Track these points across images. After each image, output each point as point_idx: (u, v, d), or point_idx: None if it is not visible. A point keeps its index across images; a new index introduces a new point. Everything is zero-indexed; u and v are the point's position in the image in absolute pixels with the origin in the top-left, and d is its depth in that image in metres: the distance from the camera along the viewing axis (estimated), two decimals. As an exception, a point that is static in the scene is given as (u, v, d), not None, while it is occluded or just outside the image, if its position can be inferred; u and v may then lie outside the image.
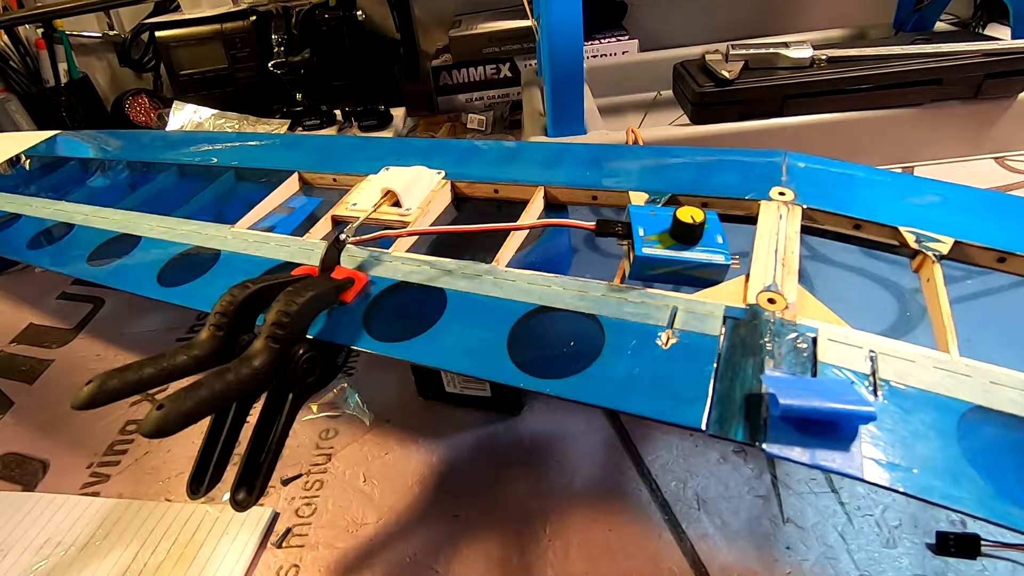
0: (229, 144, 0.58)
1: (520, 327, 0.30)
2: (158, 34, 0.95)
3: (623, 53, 0.90)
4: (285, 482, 0.43)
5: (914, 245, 0.32)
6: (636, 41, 0.89)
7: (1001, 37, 0.61)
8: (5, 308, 0.70)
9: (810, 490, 0.38)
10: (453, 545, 0.38)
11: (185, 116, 0.94)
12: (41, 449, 0.51)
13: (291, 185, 0.49)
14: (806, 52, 0.57)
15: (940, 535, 0.34)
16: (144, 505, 0.43)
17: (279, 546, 0.40)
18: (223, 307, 0.29)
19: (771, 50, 0.58)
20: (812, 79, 0.56)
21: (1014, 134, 0.57)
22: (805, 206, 0.34)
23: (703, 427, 0.24)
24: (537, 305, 0.31)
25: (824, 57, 0.57)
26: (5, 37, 0.91)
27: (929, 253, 0.31)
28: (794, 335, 0.26)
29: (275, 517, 0.41)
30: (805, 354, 0.25)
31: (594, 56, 0.89)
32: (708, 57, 0.60)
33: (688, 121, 0.62)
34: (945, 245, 0.31)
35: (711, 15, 0.98)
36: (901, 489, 0.21)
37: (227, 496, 0.28)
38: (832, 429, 0.22)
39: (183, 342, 0.60)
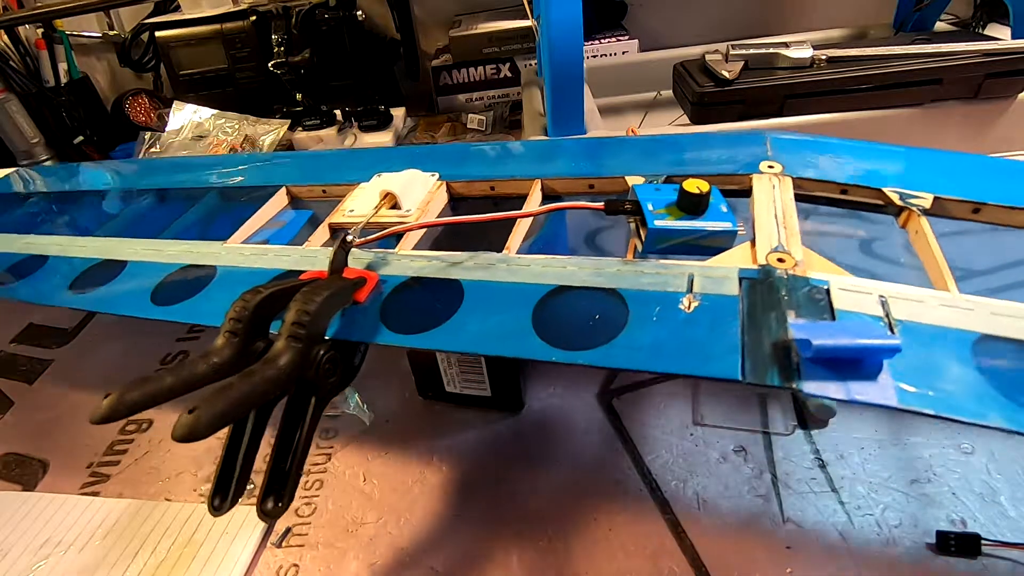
0: (206, 169, 0.56)
1: (542, 307, 0.30)
2: (158, 34, 0.95)
3: (623, 53, 0.89)
4: (285, 482, 0.43)
5: (899, 203, 0.34)
6: (636, 41, 0.89)
7: (1001, 37, 0.61)
8: (5, 308, 0.70)
9: (810, 490, 0.38)
10: (453, 545, 0.38)
11: (185, 116, 0.94)
12: (41, 449, 0.51)
13: (279, 199, 0.48)
14: (806, 52, 0.57)
15: (940, 535, 0.34)
16: (144, 505, 0.43)
17: (279, 546, 0.40)
18: (237, 313, 0.28)
19: (771, 50, 0.58)
20: (812, 79, 0.56)
21: (1014, 134, 0.57)
22: (794, 176, 0.36)
23: (740, 377, 0.24)
24: (555, 285, 0.31)
25: (824, 57, 0.57)
26: (5, 37, 0.90)
27: (914, 208, 0.33)
28: (808, 288, 0.28)
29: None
30: (822, 303, 0.27)
31: (594, 56, 0.89)
32: (708, 57, 0.60)
33: (688, 121, 0.62)
34: (927, 201, 0.34)
35: (711, 15, 0.98)
36: (933, 412, 0.22)
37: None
38: (859, 366, 0.24)
39: (183, 342, 0.60)
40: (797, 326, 0.25)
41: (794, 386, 0.23)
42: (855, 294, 0.27)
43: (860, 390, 0.23)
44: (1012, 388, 0.23)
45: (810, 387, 0.23)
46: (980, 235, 0.34)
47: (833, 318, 0.26)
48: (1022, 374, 0.24)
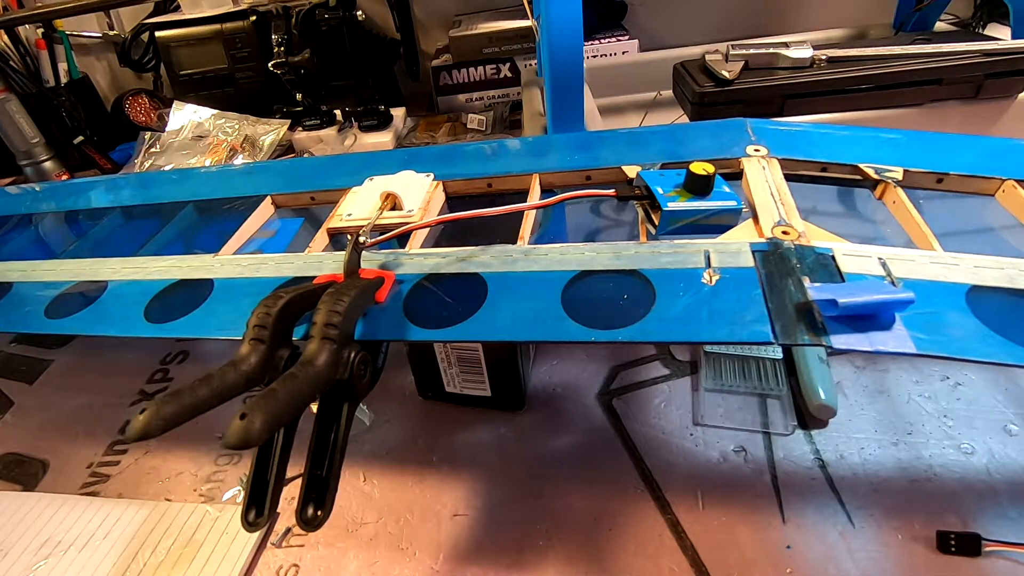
0: (174, 181, 0.55)
1: (569, 292, 0.31)
2: (158, 34, 0.95)
3: (623, 53, 0.89)
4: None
5: (875, 176, 0.37)
6: (636, 41, 0.89)
7: (1001, 37, 0.61)
8: (5, 308, 0.70)
9: (810, 490, 0.38)
10: (453, 544, 0.38)
11: (185, 116, 0.94)
12: (41, 449, 0.51)
13: (265, 209, 0.48)
14: (806, 52, 0.57)
15: (941, 534, 0.34)
16: (144, 505, 0.43)
17: (279, 546, 0.40)
18: (260, 319, 0.28)
19: (771, 50, 0.58)
20: (812, 79, 0.56)
21: (1014, 134, 0.57)
22: (779, 157, 0.39)
23: (772, 339, 0.26)
24: (579, 271, 0.32)
25: (824, 57, 0.57)
26: (5, 37, 0.90)
27: (889, 180, 0.37)
28: (815, 255, 0.30)
29: (275, 517, 0.41)
30: (830, 268, 0.29)
31: (594, 56, 0.89)
32: (708, 57, 0.60)
33: (688, 121, 0.62)
34: (898, 173, 0.37)
35: (711, 15, 0.98)
36: (945, 355, 0.25)
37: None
38: (877, 320, 0.26)
39: (184, 341, 0.60)
40: (816, 289, 0.27)
41: (823, 342, 0.25)
42: (857, 258, 0.30)
43: (881, 340, 0.25)
44: (1008, 329, 0.26)
45: (837, 342, 0.25)
46: (943, 201, 0.38)
47: (843, 280, 0.28)
48: (1013, 316, 0.26)
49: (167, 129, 0.94)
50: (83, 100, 1.01)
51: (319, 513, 0.27)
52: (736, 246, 0.31)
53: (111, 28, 1.08)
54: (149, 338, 0.37)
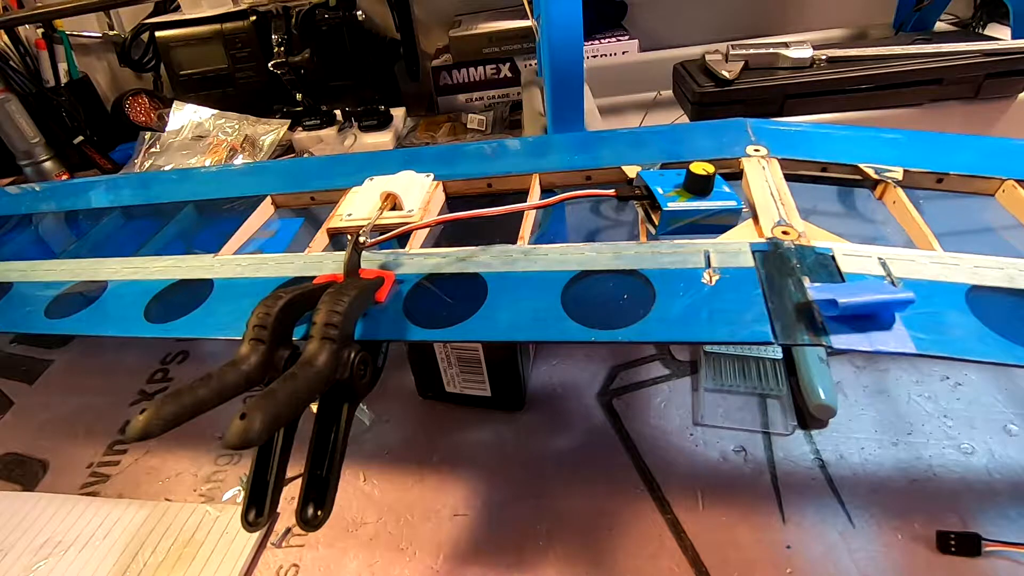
0: (174, 181, 0.55)
1: (569, 292, 0.31)
2: (158, 34, 0.95)
3: (623, 53, 0.89)
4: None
5: (875, 176, 0.37)
6: (636, 41, 0.89)
7: (1001, 37, 0.61)
8: (5, 308, 0.70)
9: (810, 490, 0.38)
10: (453, 544, 0.38)
11: (185, 116, 0.94)
12: (41, 449, 0.51)
13: (265, 209, 0.48)
14: (806, 52, 0.57)
15: (940, 534, 0.34)
16: (144, 505, 0.43)
17: (279, 546, 0.40)
18: (260, 319, 0.28)
19: (771, 50, 0.58)
20: (812, 79, 0.56)
21: (1014, 134, 0.57)
22: (779, 157, 0.39)
23: (772, 340, 0.26)
24: (579, 271, 0.32)
25: (824, 57, 0.57)
26: (5, 37, 0.90)
27: (889, 180, 0.37)
28: (815, 255, 0.30)
29: (275, 517, 0.41)
30: (830, 268, 0.29)
31: (594, 56, 0.89)
32: (708, 57, 0.60)
33: (688, 121, 0.62)
34: (898, 173, 0.37)
35: (711, 15, 0.98)
36: (945, 355, 0.25)
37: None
38: (877, 320, 0.26)
39: (183, 341, 0.60)
40: (816, 289, 0.27)
41: (823, 342, 0.25)
42: (857, 258, 0.30)
43: (881, 340, 0.25)
44: (1007, 329, 0.26)
45: (837, 342, 0.25)
46: (943, 201, 0.38)
47: (843, 280, 0.28)
48: (1013, 316, 0.26)
49: (167, 129, 0.94)
50: (83, 100, 1.01)
51: (319, 513, 0.27)
52: (736, 246, 0.31)
53: (111, 28, 1.08)
54: (149, 338, 0.37)
